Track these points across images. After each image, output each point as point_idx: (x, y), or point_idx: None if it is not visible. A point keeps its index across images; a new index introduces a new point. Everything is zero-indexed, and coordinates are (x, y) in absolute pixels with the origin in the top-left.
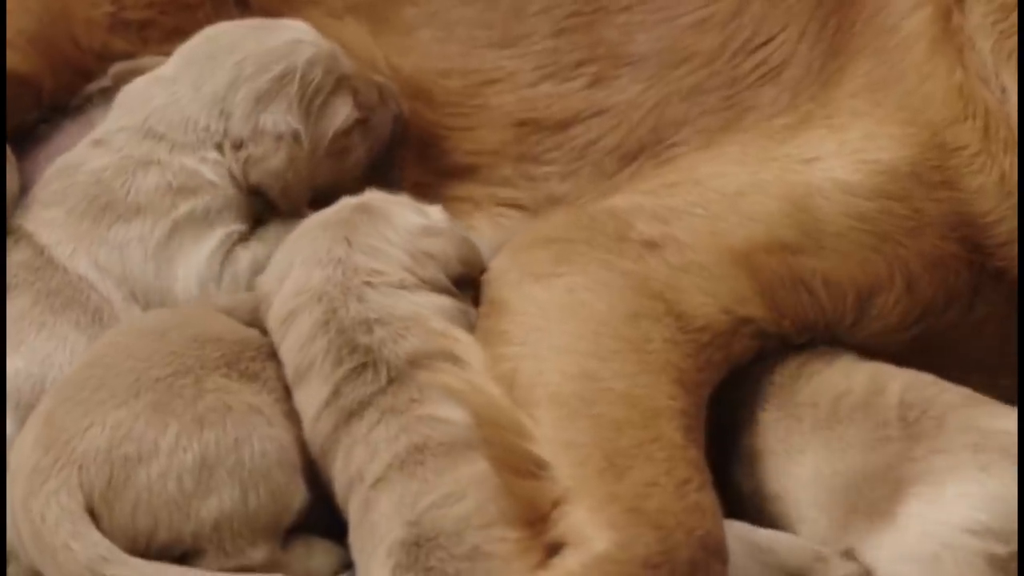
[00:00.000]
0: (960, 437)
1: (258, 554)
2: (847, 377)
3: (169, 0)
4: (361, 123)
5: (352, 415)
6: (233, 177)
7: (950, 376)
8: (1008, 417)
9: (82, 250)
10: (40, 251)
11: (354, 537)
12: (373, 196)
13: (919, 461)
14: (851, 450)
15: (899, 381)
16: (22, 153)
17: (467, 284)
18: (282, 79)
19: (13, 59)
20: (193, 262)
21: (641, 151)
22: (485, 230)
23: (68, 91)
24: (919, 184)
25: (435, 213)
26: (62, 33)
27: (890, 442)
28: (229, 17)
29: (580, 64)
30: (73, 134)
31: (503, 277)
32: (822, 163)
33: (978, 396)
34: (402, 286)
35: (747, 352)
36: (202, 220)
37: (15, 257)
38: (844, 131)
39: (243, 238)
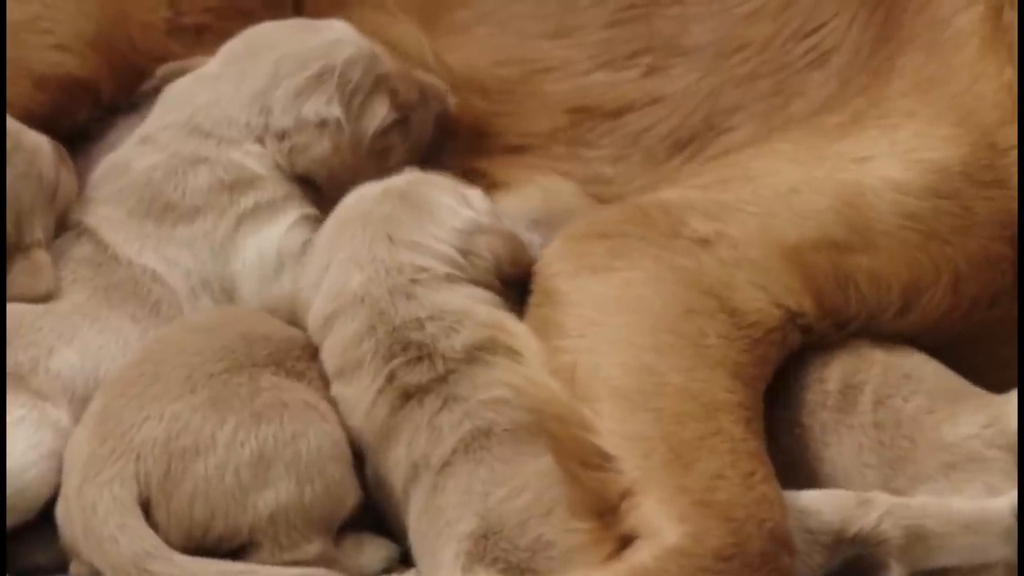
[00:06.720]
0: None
1: (312, 548)
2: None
3: (226, 5)
4: (400, 123)
5: (409, 397)
6: (279, 167)
7: (1003, 371)
8: (970, 415)
9: (149, 247)
10: (104, 248)
11: (418, 523)
12: (412, 180)
13: (903, 492)
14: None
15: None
16: (76, 151)
17: (514, 284)
18: (320, 76)
19: (71, 63)
20: (271, 236)
21: (693, 139)
22: (535, 193)
23: (127, 93)
24: (970, 183)
25: (476, 200)
26: (120, 37)
27: (870, 468)
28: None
29: (635, 55)
30: (126, 132)
31: (557, 267)
32: (874, 162)
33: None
34: (450, 280)
35: (796, 346)
36: (268, 208)
37: (75, 252)
38: (896, 131)
39: (319, 222)
